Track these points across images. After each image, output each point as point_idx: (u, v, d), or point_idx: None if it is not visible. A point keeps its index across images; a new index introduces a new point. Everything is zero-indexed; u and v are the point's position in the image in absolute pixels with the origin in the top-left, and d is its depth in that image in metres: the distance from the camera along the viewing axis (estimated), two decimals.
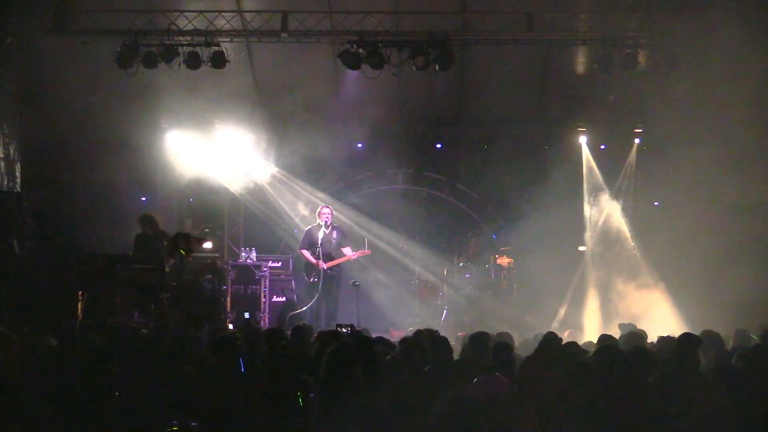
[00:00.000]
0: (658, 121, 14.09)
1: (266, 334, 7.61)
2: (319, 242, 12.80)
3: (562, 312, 13.47)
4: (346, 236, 13.37)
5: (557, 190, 14.14)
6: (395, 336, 10.55)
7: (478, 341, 6.64)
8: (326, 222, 12.97)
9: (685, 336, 6.19)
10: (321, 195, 15.15)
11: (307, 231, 13.29)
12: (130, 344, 6.74)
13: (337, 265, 12.98)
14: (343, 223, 14.53)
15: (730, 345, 7.45)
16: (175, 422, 4.61)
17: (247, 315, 13.77)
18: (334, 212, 13.99)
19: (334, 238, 12.99)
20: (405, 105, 14.46)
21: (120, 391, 5.09)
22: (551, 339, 6.79)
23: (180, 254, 11.41)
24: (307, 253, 12.98)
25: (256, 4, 12.97)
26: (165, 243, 12.60)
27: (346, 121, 14.66)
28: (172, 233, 13.18)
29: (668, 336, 7.57)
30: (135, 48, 12.40)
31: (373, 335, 8.17)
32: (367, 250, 13.53)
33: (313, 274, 12.88)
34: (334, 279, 12.94)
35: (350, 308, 12.73)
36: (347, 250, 13.07)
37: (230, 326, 12.27)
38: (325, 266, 12.75)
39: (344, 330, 7.65)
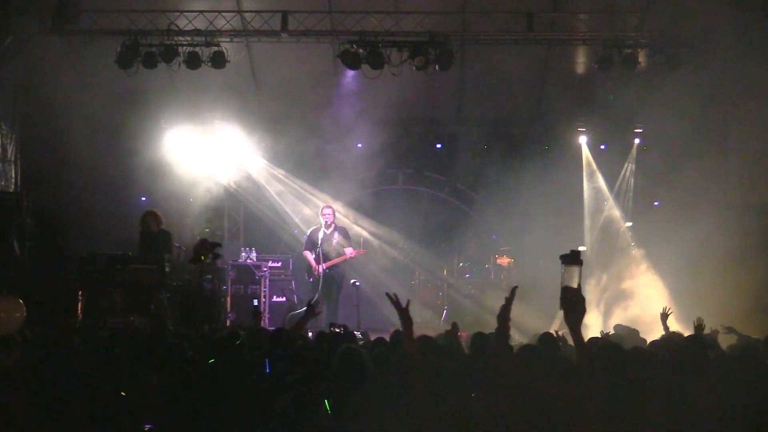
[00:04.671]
0: (658, 121, 14.10)
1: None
2: (319, 242, 12.79)
3: (562, 312, 13.44)
4: (348, 237, 13.33)
5: (557, 190, 14.14)
6: None
7: (477, 342, 6.62)
8: (327, 222, 12.96)
9: (692, 338, 6.21)
10: (321, 195, 15.15)
11: (311, 232, 13.23)
12: (130, 344, 6.74)
13: (337, 265, 12.96)
14: (342, 223, 14.52)
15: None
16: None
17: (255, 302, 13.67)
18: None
19: (334, 239, 12.96)
20: (405, 105, 14.47)
21: (121, 392, 5.09)
22: (547, 339, 6.77)
23: (200, 260, 11.32)
24: (309, 255, 12.97)
25: (256, 4, 12.97)
26: (166, 242, 12.51)
27: (346, 121, 14.65)
28: (172, 233, 13.18)
29: (667, 336, 7.58)
30: (135, 48, 12.41)
31: (373, 335, 8.19)
32: (362, 250, 13.55)
33: (314, 274, 12.87)
34: (333, 279, 12.90)
35: (350, 308, 12.71)
36: (348, 251, 13.05)
37: None
38: (320, 271, 12.72)
39: (337, 330, 7.64)
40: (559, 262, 3.93)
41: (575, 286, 3.87)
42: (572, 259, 3.90)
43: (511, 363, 4.97)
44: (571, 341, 4.21)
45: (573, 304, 3.90)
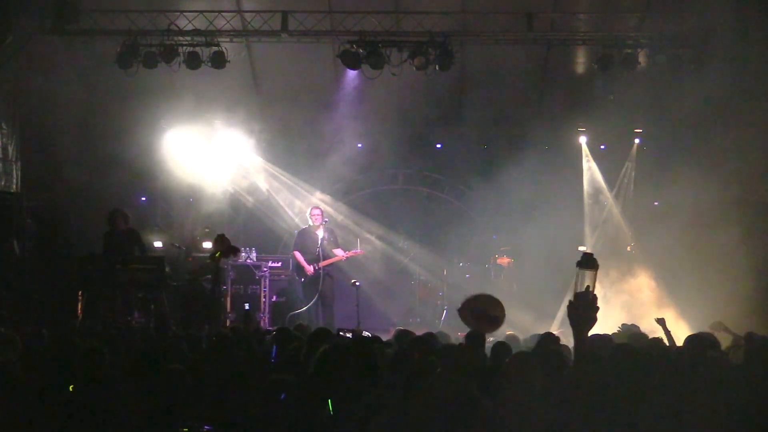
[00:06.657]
0: (658, 121, 14.10)
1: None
2: (319, 243, 12.78)
3: (561, 312, 13.45)
4: (336, 236, 13.33)
5: (557, 190, 14.13)
6: None
7: (474, 341, 6.63)
8: (317, 223, 12.92)
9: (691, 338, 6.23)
10: (321, 195, 15.14)
11: (300, 232, 13.24)
12: (130, 344, 6.74)
13: (331, 265, 12.95)
14: (342, 223, 14.51)
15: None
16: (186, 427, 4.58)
17: (247, 306, 13.62)
18: (333, 212, 13.95)
19: (326, 240, 12.97)
20: (405, 105, 14.48)
21: (120, 392, 5.09)
22: (549, 339, 6.78)
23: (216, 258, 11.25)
24: (299, 256, 12.92)
25: (256, 4, 12.98)
26: (135, 240, 12.20)
27: (346, 121, 14.65)
28: (173, 233, 13.17)
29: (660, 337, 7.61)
30: (135, 48, 12.42)
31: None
32: (359, 250, 13.52)
33: (307, 274, 12.83)
34: (329, 278, 12.89)
35: (350, 308, 12.71)
36: (338, 251, 13.03)
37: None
38: (312, 271, 12.68)
39: (347, 335, 7.55)
40: (560, 261, 3.87)
41: (591, 291, 3.65)
42: (588, 262, 3.68)
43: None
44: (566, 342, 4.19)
45: (587, 310, 3.64)
